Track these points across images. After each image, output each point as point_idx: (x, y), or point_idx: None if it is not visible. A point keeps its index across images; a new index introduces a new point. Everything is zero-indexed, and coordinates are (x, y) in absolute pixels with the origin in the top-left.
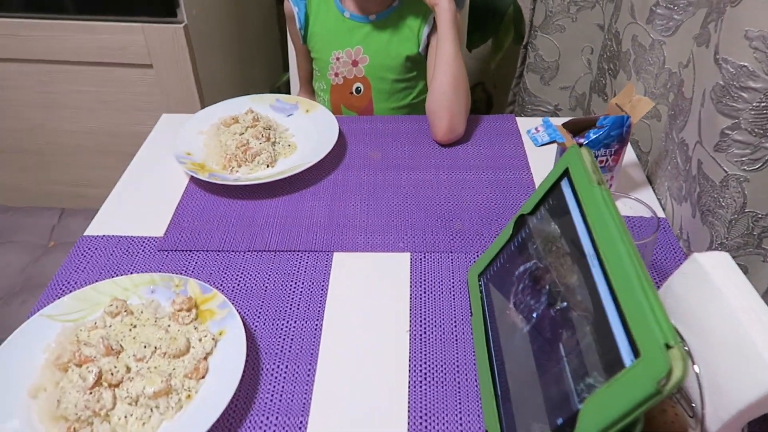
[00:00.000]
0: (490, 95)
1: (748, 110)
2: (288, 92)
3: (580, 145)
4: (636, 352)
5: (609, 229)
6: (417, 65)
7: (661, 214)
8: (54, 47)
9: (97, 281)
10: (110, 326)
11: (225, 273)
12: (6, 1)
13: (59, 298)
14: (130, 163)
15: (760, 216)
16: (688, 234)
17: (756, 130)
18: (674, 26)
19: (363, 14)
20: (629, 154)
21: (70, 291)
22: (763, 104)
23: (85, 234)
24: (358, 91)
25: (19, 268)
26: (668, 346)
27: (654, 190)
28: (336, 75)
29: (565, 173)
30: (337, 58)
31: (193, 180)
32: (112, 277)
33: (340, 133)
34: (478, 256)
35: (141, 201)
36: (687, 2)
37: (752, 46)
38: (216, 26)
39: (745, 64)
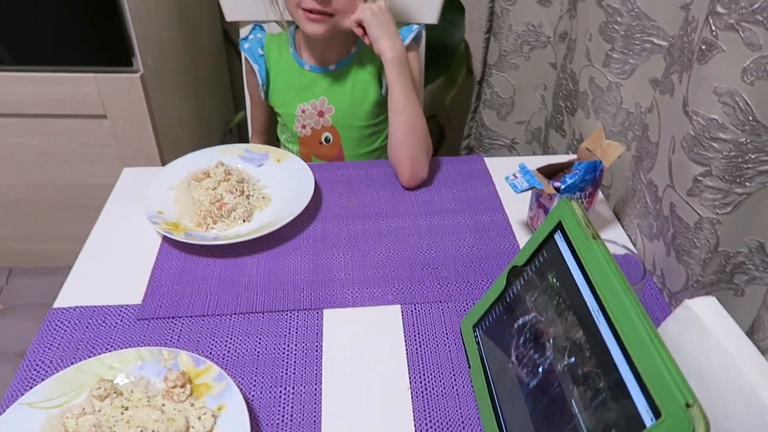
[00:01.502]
0: (443, 128)
1: (719, 159)
2: (245, 132)
3: (557, 189)
4: (656, 412)
5: (613, 285)
6: (383, 108)
7: (632, 251)
8: (4, 101)
9: (74, 359)
10: (99, 411)
11: (213, 339)
12: None
13: (35, 381)
14: (96, 223)
15: (731, 254)
16: (662, 270)
17: (727, 176)
18: (630, 69)
19: (322, 65)
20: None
21: (45, 372)
22: (732, 153)
23: (54, 306)
24: (327, 140)
25: None
26: (688, 405)
27: (623, 227)
28: (303, 127)
29: (558, 226)
30: (303, 111)
31: (167, 239)
32: (91, 352)
33: (316, 183)
34: (468, 304)
35: (112, 265)
36: (641, 48)
37: (721, 101)
38: (171, 72)
39: (715, 117)
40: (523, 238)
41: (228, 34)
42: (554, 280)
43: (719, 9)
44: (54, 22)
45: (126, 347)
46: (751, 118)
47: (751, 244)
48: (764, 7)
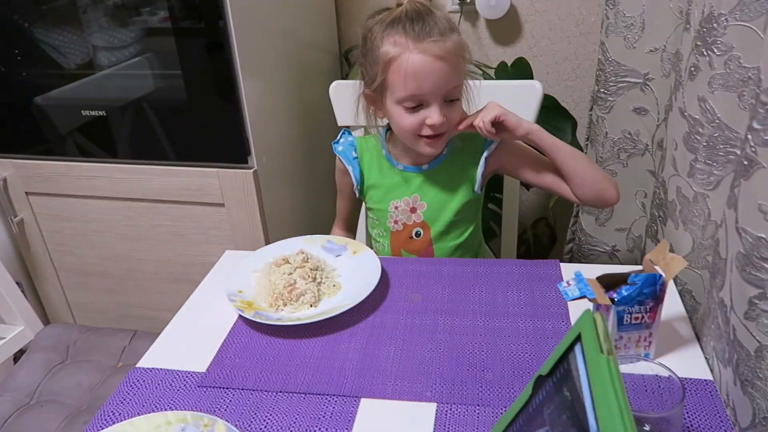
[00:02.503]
0: (554, 230)
1: None
2: (355, 224)
3: (612, 300)
4: None
5: (610, 405)
6: (472, 205)
7: (707, 376)
8: (140, 188)
9: (138, 413)
10: None
11: (255, 413)
12: (109, 149)
13: (103, 427)
14: (189, 297)
15: None
16: (733, 402)
17: None
18: (716, 181)
19: (415, 165)
20: (677, 307)
21: (114, 421)
22: None
23: (137, 365)
24: (417, 234)
25: (88, 388)
26: None
27: (702, 349)
28: (395, 222)
29: (579, 338)
30: (396, 207)
31: (242, 316)
32: (151, 409)
33: (385, 275)
34: (505, 410)
35: (192, 335)
36: (725, 159)
37: (767, 219)
38: (284, 168)
39: (763, 236)
40: None
41: None
42: (567, 394)
43: (755, 125)
44: (186, 128)
45: (181, 409)
46: None
47: None
48: None
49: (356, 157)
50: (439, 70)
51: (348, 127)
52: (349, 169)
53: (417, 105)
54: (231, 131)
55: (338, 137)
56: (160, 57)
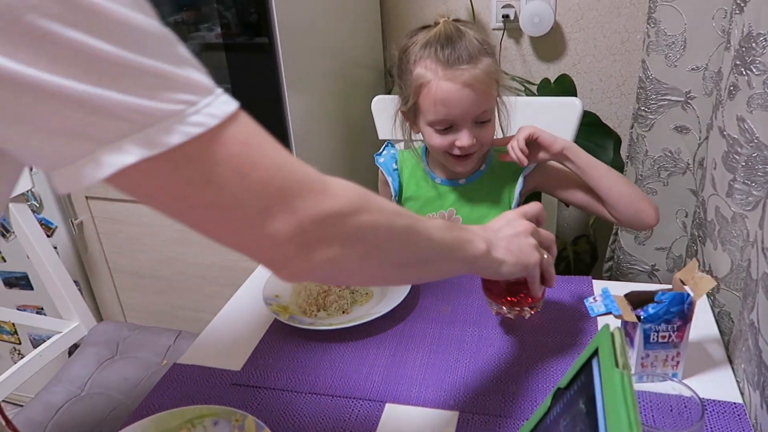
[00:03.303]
0: (595, 248)
1: None
2: None
3: (639, 318)
4: None
5: (620, 418)
6: None
7: (737, 399)
8: None
9: (175, 406)
10: None
11: (284, 412)
12: None
13: (143, 417)
14: (229, 300)
15: None
16: (761, 426)
17: None
18: (754, 201)
19: (452, 179)
20: (711, 329)
21: (153, 412)
22: None
23: (177, 362)
24: None
25: (134, 383)
26: None
27: (734, 372)
28: None
29: (596, 352)
30: None
31: (277, 319)
32: (189, 403)
33: (416, 285)
34: (525, 422)
35: (230, 336)
36: (764, 179)
37: None
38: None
39: None
40: None
41: None
42: (582, 406)
43: None
44: None
45: (215, 404)
46: None
47: None
48: None
49: (396, 169)
50: (467, 97)
51: (390, 140)
52: (389, 179)
53: (447, 127)
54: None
55: (381, 149)
56: (212, 72)
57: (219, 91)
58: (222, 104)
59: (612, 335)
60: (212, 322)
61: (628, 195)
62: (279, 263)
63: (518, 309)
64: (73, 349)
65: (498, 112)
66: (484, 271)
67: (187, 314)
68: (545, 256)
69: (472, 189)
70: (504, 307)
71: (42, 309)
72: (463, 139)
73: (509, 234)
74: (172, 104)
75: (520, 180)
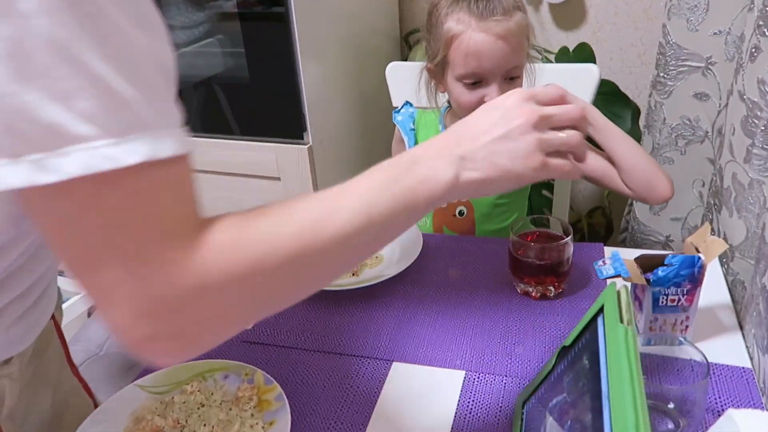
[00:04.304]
0: (611, 220)
1: None
2: None
3: (648, 281)
4: None
5: (622, 371)
6: (518, 191)
7: (746, 364)
8: (203, 160)
9: (186, 361)
10: (184, 402)
11: (293, 369)
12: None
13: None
14: None
15: None
16: None
17: None
18: None
19: None
20: (723, 295)
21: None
22: None
23: None
24: (461, 213)
25: None
26: None
27: (744, 338)
28: None
29: (602, 310)
30: None
31: None
32: (201, 359)
33: (425, 249)
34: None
35: None
36: None
37: None
38: (339, 145)
39: None
40: None
41: None
42: (586, 362)
43: None
44: (248, 104)
45: (227, 359)
46: None
47: None
48: None
49: (413, 129)
50: (500, 50)
51: (419, 107)
52: (405, 139)
53: (477, 81)
54: (289, 108)
55: (400, 107)
56: (227, 37)
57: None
58: (131, 153)
59: (618, 293)
60: None
61: (644, 164)
62: (134, 342)
63: (542, 288)
64: (92, 311)
65: (525, 75)
66: (463, 197)
67: None
68: (560, 142)
69: None
70: (529, 287)
71: (62, 272)
72: (493, 94)
73: (497, 135)
74: (87, 131)
75: None
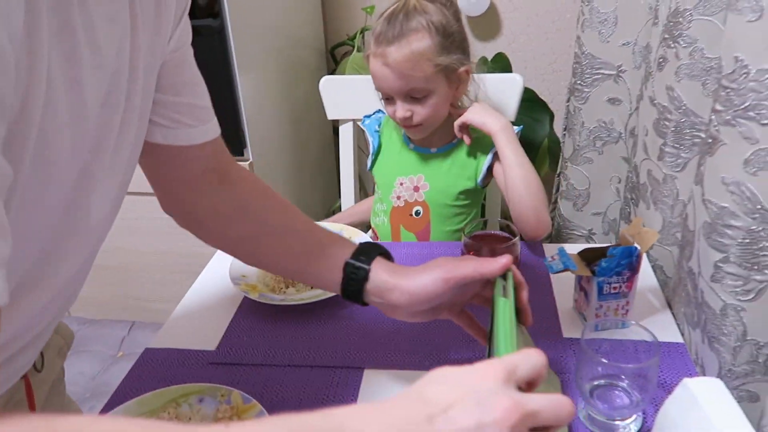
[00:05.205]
0: None
1: (734, 245)
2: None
3: (592, 272)
4: None
5: (500, 334)
6: (473, 195)
7: (678, 339)
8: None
9: (155, 389)
10: None
11: (265, 385)
12: None
13: (122, 403)
14: (193, 283)
15: (762, 344)
16: (702, 359)
17: (744, 263)
18: (683, 163)
19: (424, 147)
20: (650, 280)
21: (132, 396)
22: (746, 241)
23: (148, 346)
24: (417, 213)
25: (90, 376)
26: None
27: (674, 316)
28: (398, 198)
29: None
30: (401, 183)
31: (246, 298)
32: (168, 384)
33: None
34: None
35: (200, 317)
36: (691, 143)
37: (729, 190)
38: (277, 162)
39: (726, 205)
40: (565, 319)
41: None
42: (489, 331)
43: (718, 107)
44: None
45: (195, 383)
46: (759, 206)
47: None
48: (754, 105)
49: (377, 131)
50: (391, 75)
51: (338, 120)
52: (370, 139)
53: (388, 98)
54: (228, 124)
55: (372, 113)
56: None
57: None
58: None
59: (505, 274)
60: (178, 307)
61: (520, 196)
62: None
63: None
64: None
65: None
66: None
67: (139, 304)
68: None
69: (443, 157)
70: None
71: None
72: (398, 111)
73: (465, 426)
74: None
75: (490, 155)
